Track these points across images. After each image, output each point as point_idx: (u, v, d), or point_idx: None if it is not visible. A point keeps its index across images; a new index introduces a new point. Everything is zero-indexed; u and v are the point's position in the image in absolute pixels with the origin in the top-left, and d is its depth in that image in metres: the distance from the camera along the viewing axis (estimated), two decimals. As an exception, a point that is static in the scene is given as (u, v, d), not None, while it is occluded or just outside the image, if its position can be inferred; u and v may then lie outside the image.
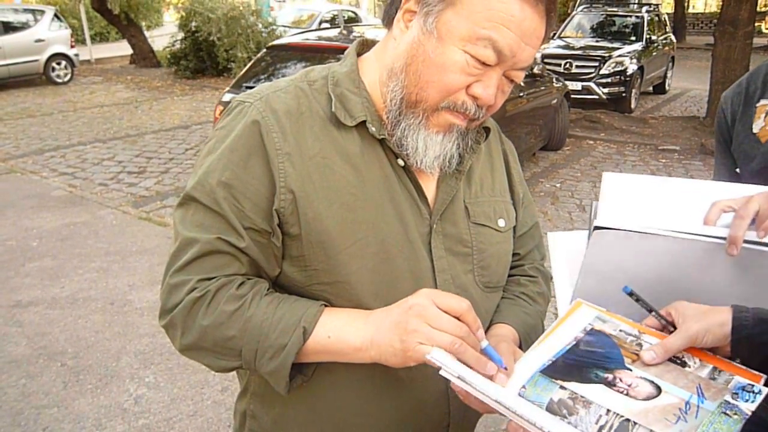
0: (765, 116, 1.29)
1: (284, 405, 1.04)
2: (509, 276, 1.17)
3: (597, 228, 0.97)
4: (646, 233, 0.95)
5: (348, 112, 0.97)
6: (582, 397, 0.81)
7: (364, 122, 0.97)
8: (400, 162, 0.99)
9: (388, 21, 0.99)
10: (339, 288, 0.96)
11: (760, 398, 0.80)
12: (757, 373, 0.85)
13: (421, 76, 0.91)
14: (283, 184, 0.92)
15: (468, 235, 1.05)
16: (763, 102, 1.31)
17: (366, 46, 1.08)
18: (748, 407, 0.78)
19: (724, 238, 0.93)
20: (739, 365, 0.87)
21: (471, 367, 0.83)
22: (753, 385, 0.82)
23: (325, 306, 0.94)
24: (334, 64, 1.05)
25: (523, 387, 0.84)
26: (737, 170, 1.40)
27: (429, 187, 1.03)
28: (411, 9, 0.93)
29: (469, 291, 1.05)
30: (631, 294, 0.93)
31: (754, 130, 1.30)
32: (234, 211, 0.92)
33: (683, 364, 0.87)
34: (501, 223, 1.10)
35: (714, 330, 0.87)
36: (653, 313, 0.93)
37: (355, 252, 0.95)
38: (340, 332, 0.91)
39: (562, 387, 0.83)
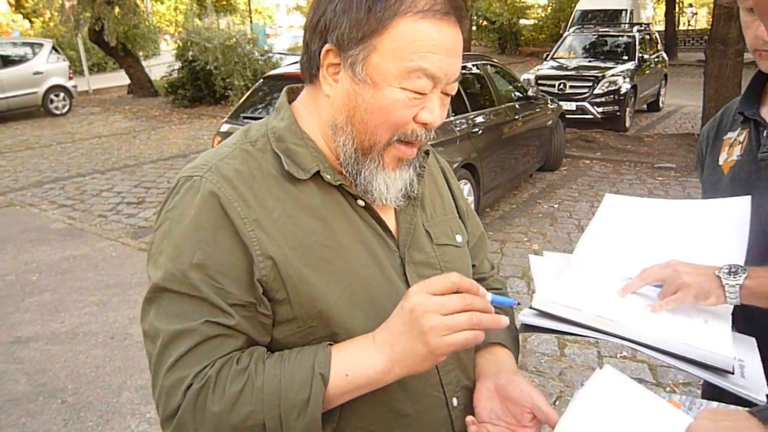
0: (729, 148, 1.32)
1: None
2: None
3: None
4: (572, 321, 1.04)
5: (299, 165, 0.96)
6: None
7: (318, 172, 0.96)
8: (360, 203, 1.00)
9: (309, 78, 1.00)
10: (338, 340, 0.95)
11: None
12: None
13: (368, 123, 0.93)
14: (259, 252, 0.90)
15: (435, 258, 1.08)
16: (729, 135, 1.34)
17: (294, 92, 1.08)
18: None
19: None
20: None
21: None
22: None
23: (330, 345, 0.92)
24: (270, 119, 1.03)
25: None
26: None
27: (390, 221, 1.05)
28: (333, 62, 0.93)
29: None
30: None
31: (719, 162, 1.33)
32: (214, 290, 0.88)
33: None
34: (458, 239, 1.15)
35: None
36: None
37: (345, 302, 0.94)
38: (356, 366, 0.88)
39: None
